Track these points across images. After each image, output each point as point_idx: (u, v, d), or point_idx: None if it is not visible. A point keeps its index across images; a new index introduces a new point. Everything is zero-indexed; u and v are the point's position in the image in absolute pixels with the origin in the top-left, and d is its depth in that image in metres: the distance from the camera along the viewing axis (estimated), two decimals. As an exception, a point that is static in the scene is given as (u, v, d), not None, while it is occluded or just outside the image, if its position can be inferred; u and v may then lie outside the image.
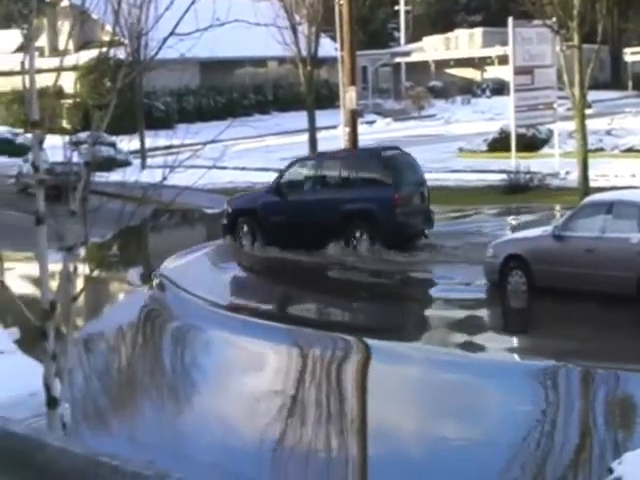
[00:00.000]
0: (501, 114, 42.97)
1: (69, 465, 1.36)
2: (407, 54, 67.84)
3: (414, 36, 73.38)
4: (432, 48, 67.83)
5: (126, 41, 34.06)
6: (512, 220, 26.18)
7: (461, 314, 17.71)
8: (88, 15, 6.58)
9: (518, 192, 28.67)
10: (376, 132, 48.00)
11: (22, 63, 4.16)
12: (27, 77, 4.66)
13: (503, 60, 48.94)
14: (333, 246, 21.53)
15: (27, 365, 11.84)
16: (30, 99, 4.40)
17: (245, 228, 23.01)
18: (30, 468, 1.40)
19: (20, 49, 48.71)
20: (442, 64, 65.89)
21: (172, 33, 4.26)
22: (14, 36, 49.23)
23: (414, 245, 21.96)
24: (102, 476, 1.27)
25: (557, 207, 25.93)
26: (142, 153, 38.68)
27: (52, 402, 5.69)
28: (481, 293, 18.63)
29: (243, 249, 22.97)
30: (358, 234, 21.56)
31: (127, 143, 35.37)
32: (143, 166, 36.34)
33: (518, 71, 29.58)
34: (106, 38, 37.57)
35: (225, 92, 54.55)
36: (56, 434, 5.87)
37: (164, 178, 5.60)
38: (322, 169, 22.80)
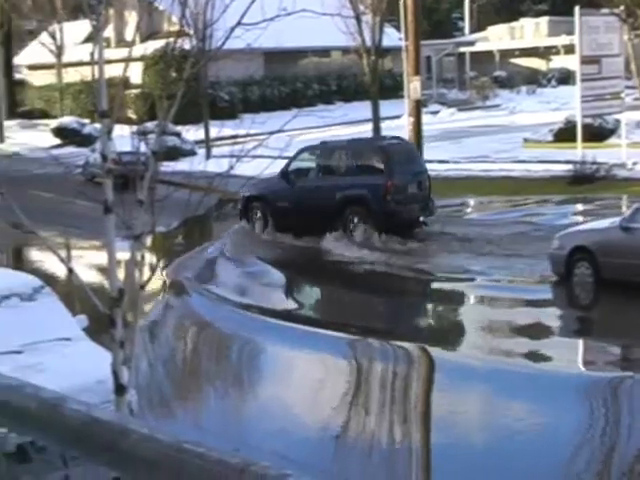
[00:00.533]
0: (567, 104, 42.52)
1: (154, 452, 1.38)
2: (471, 44, 67.42)
3: (479, 25, 72.88)
4: (497, 37, 67.33)
5: (192, 32, 34.23)
6: (570, 211, 25.98)
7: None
8: (154, 6, 6.61)
9: (584, 183, 28.39)
10: (440, 122, 47.79)
11: (92, 54, 4.20)
12: (96, 68, 4.71)
13: (569, 49, 48.43)
14: (335, 234, 22.42)
15: (94, 352, 11.97)
16: (99, 90, 4.45)
17: (258, 214, 24.10)
18: (115, 454, 1.42)
19: (88, 40, 49.23)
20: (507, 54, 65.36)
21: (239, 23, 4.28)
22: (82, 27, 49.83)
23: (413, 233, 22.74)
24: (187, 463, 1.29)
25: (624, 198, 25.64)
26: (207, 143, 38.92)
27: (120, 389, 5.75)
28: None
29: (256, 233, 24.02)
30: (354, 220, 22.43)
31: (193, 133, 35.60)
32: (208, 156, 36.56)
33: (585, 60, 29.27)
34: (172, 29, 37.83)
35: (289, 82, 54.65)
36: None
37: (231, 167, 5.63)
38: (324, 157, 23.73)
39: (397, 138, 24.35)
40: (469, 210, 29.14)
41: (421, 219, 23.14)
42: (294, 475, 1.24)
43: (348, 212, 22.44)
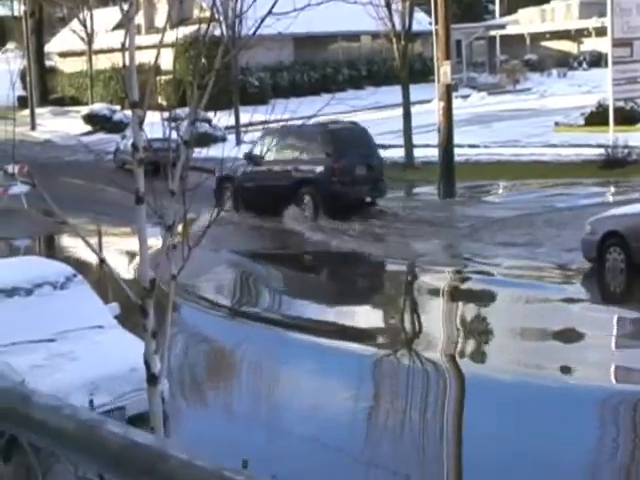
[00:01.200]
0: (598, 87, 42.21)
1: (193, 478, 1.37)
2: (502, 27, 66.98)
3: (509, 9, 72.39)
4: (527, 20, 66.86)
5: (222, 18, 34.17)
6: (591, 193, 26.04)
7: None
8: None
9: (616, 167, 28.19)
10: (470, 106, 47.57)
11: (123, 44, 4.18)
12: (127, 56, 4.70)
13: (600, 32, 48.03)
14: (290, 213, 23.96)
15: (127, 340, 12.02)
16: (130, 79, 4.43)
17: (228, 193, 25.49)
18: (154, 479, 1.41)
19: (118, 27, 49.34)
20: (537, 37, 64.91)
21: (270, 12, 4.25)
22: (112, 14, 49.94)
23: (362, 212, 24.26)
24: None
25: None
26: (237, 129, 38.92)
27: (152, 379, 5.74)
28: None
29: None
30: (306, 200, 24.04)
31: (224, 119, 35.62)
32: (238, 142, 36.56)
33: (616, 43, 29.04)
34: (202, 15, 37.79)
35: (319, 67, 54.53)
36: (156, 411, 5.95)
37: (265, 153, 5.61)
38: (283, 141, 24.48)
39: (352, 123, 25.79)
40: (488, 192, 28.98)
41: (368, 199, 24.96)
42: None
43: (301, 192, 24.06)
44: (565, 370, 13.56)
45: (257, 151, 25.17)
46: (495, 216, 24.40)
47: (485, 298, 18.17)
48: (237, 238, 23.29)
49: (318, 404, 12.73)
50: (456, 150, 28.94)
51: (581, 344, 14.84)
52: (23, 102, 49.78)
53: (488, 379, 13.18)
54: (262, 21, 4.07)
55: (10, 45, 68.99)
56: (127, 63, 4.60)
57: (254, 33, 4.35)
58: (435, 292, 18.89)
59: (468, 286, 19.09)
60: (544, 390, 12.48)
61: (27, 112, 49.23)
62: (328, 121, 26.10)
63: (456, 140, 29.04)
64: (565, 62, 62.78)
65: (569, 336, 14.91)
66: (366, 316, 17.21)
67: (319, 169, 23.97)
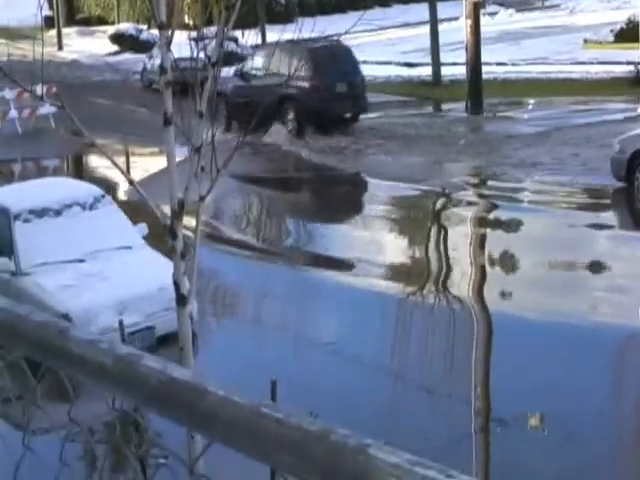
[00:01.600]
0: (628, 3, 41.48)
1: (231, 414, 1.39)
2: (532, -59, 65.73)
3: None
4: None
5: None
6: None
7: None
8: None
9: (646, 84, 27.87)
10: (498, 24, 46.89)
11: (149, -34, 4.16)
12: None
13: (633, -54, 47.07)
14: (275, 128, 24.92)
15: (155, 260, 12.09)
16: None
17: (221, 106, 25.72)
18: (192, 414, 1.44)
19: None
20: (569, -49, 63.67)
21: None
22: None
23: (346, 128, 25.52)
24: (264, 427, 1.30)
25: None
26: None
27: (181, 300, 5.82)
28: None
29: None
30: (289, 115, 25.16)
31: (251, 38, 35.32)
32: (264, 61, 36.30)
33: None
34: None
35: (345, -16, 53.80)
36: (185, 331, 6.03)
37: (296, 70, 5.59)
38: (270, 58, 24.85)
39: (335, 42, 25.62)
40: (516, 109, 28.70)
41: (348, 115, 25.88)
42: (374, 445, 1.23)
43: (284, 108, 24.88)
44: (593, 306, 13.41)
45: (247, 68, 26.74)
46: (521, 133, 24.30)
47: (508, 224, 18.00)
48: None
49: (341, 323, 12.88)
50: (484, 68, 28.62)
51: (611, 274, 14.77)
52: (50, 22, 49.47)
53: (512, 315, 13.13)
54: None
55: (35, -37, 68.39)
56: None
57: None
58: (458, 218, 18.81)
59: (489, 208, 19.08)
60: (572, 327, 12.39)
61: (54, 32, 48.99)
62: (311, 39, 26.62)
63: (484, 58, 28.70)
64: (596, -23, 61.62)
65: (598, 267, 14.84)
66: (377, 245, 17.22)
67: (301, 86, 24.59)
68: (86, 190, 13.44)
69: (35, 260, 12.06)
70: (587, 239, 16.42)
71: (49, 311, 11.36)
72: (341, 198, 21.21)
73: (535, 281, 14.27)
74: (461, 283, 14.12)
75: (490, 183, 20.68)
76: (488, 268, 15.26)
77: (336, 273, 15.22)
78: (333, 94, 25.18)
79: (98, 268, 12.00)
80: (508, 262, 15.25)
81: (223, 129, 24.76)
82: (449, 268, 15.22)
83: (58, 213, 12.61)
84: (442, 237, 17.56)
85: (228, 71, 25.11)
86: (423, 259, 16.00)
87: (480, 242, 17.02)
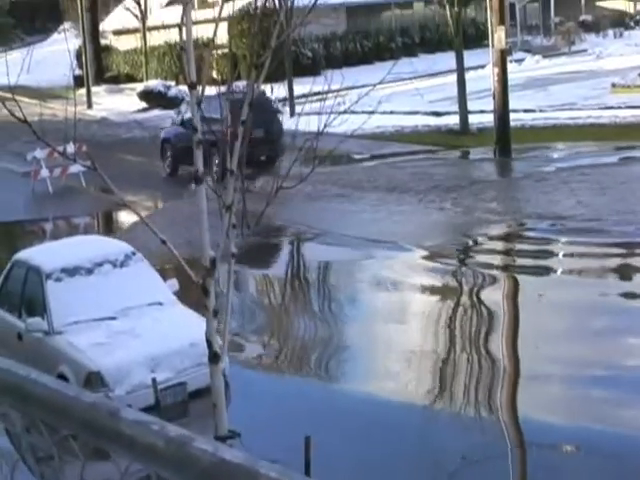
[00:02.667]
0: (656, 46, 41.49)
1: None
2: (556, -12, 66.03)
3: (563, -31, 71.30)
4: (582, -19, 65.82)
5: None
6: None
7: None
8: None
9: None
10: (525, 70, 47.01)
11: (179, 25, 4.17)
12: (184, 34, 4.68)
13: (658, -10, 47.16)
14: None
15: (186, 316, 12.09)
16: (188, 60, 4.42)
17: (168, 152, 30.01)
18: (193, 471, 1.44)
19: (171, 3, 49.43)
20: (593, -3, 63.91)
21: (324, -11, 4.21)
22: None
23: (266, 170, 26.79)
24: None
25: None
26: (291, 100, 38.83)
27: (214, 357, 5.78)
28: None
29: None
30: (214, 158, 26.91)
31: (278, 91, 35.58)
32: (292, 114, 36.50)
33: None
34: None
35: (372, 36, 54.11)
36: (218, 388, 5.98)
37: (325, 126, 5.57)
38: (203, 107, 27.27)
39: (259, 93, 28.17)
40: (545, 157, 28.53)
41: (263, 158, 28.19)
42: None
43: (211, 153, 25.57)
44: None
45: (187, 116, 28.35)
46: (550, 180, 24.23)
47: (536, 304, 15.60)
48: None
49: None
50: (511, 115, 28.65)
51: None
52: (79, 81, 50.05)
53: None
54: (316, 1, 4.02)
55: (66, 25, 69.38)
56: (185, 45, 4.59)
57: (309, 11, 4.30)
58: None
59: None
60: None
61: (83, 91, 49.52)
62: (230, 91, 28.58)
63: (511, 105, 28.73)
64: (621, 22, 61.77)
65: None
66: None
67: (219, 132, 25.95)
68: (117, 248, 13.48)
69: (67, 319, 12.07)
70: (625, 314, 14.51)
71: (82, 369, 11.34)
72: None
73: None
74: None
75: (513, 243, 19.81)
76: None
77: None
78: (250, 139, 26.14)
79: (130, 325, 11.99)
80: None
81: (168, 174, 29.41)
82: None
83: (90, 271, 12.64)
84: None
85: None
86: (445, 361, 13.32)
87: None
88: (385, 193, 24.68)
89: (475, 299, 15.43)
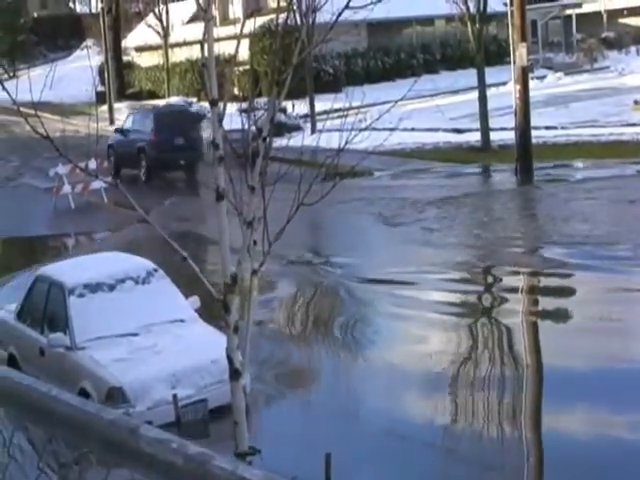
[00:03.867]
0: (679, 64, 41.35)
1: None
2: (578, 5, 65.91)
3: (585, -14, 71.21)
4: (604, -3, 65.72)
5: (295, 7, 34.08)
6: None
7: None
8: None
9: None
10: (547, 87, 46.97)
11: (201, 42, 4.18)
12: (205, 51, 4.70)
13: (680, 7, 47.05)
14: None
15: (207, 333, 12.11)
16: (209, 77, 4.43)
17: (111, 157, 33.94)
18: None
19: (193, 19, 49.61)
20: (615, 14, 63.75)
21: (347, 6, 4.21)
22: (187, 7, 50.20)
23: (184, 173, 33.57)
24: None
25: None
26: (312, 117, 38.90)
27: (235, 374, 5.78)
28: None
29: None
30: (142, 163, 33.21)
31: (300, 107, 35.67)
32: (313, 130, 36.56)
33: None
34: (274, 5, 37.60)
35: (393, 53, 54.17)
36: (238, 405, 5.97)
37: (346, 143, 5.57)
38: (136, 119, 35.16)
39: (182, 106, 36.03)
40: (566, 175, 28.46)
41: (182, 162, 32.66)
42: None
43: (139, 158, 33.26)
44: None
45: (124, 125, 35.54)
46: (571, 198, 24.12)
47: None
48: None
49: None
50: (533, 132, 28.61)
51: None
52: (101, 97, 50.34)
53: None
54: (338, 16, 4.03)
55: (89, 42, 69.79)
56: (206, 62, 4.60)
57: (331, 28, 4.30)
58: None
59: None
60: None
61: (105, 107, 49.79)
62: (161, 105, 38.19)
63: (533, 122, 28.70)
64: (643, 39, 61.60)
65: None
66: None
67: (147, 141, 32.89)
68: (139, 264, 13.51)
69: (89, 334, 12.10)
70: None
71: (104, 385, 11.37)
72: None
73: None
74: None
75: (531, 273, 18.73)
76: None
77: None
78: (171, 146, 32.39)
79: (151, 342, 12.01)
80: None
81: (112, 174, 31.38)
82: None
83: (112, 287, 12.68)
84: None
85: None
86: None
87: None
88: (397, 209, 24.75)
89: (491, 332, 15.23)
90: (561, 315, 15.69)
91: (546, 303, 16.69)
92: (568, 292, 17.05)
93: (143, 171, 33.11)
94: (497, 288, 17.86)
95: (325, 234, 25.06)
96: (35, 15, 79.59)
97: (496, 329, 15.17)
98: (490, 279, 18.70)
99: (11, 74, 63.38)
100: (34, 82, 7.24)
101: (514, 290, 17.47)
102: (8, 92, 6.23)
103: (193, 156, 32.25)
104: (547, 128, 33.76)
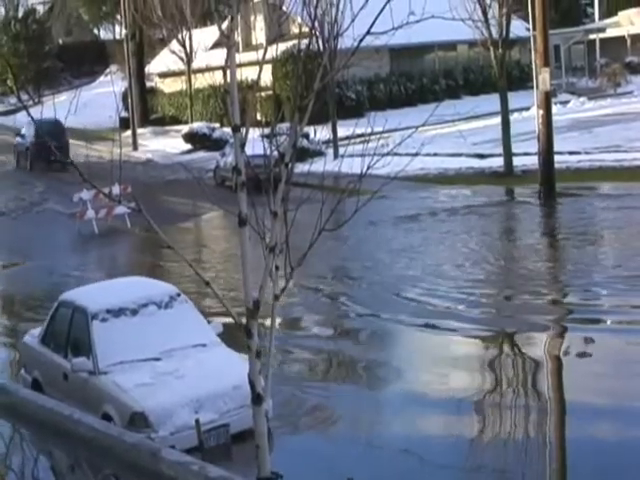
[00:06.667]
0: (703, 88, 41.19)
1: None
2: (601, 30, 65.88)
3: (609, 11, 71.19)
4: (628, 22, 65.57)
5: (318, 33, 34.24)
6: None
7: None
8: (283, 11, 6.65)
9: None
10: (570, 112, 46.92)
11: (224, 69, 4.21)
12: (228, 77, 4.72)
13: None
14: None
15: (230, 358, 12.11)
16: (232, 103, 4.45)
17: (15, 151, 48.59)
18: None
19: (216, 45, 49.89)
20: (638, 38, 63.68)
21: (368, 32, 4.23)
22: (211, 33, 50.50)
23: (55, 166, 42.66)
24: None
25: None
26: (335, 143, 38.97)
27: (257, 399, 5.78)
28: None
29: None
30: (28, 158, 46.88)
31: (322, 133, 35.72)
32: (335, 156, 36.62)
33: None
34: (297, 31, 37.95)
35: (415, 78, 54.30)
36: (261, 429, 5.96)
37: (368, 168, 5.58)
38: (28, 128, 46.50)
39: (55, 120, 39.45)
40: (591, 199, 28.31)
41: (53, 158, 41.30)
42: None
43: (27, 153, 46.85)
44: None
45: (22, 132, 48.16)
46: (597, 227, 23.99)
47: None
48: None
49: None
50: (556, 157, 28.56)
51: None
52: (125, 123, 50.68)
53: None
54: (360, 42, 4.05)
55: (113, 68, 70.31)
56: (229, 88, 4.63)
57: (353, 53, 4.32)
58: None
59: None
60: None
61: (129, 133, 50.09)
62: (41, 120, 41.40)
63: (556, 147, 28.65)
64: (668, 63, 61.46)
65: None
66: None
67: (31, 142, 45.86)
68: (162, 289, 13.54)
69: (112, 359, 12.13)
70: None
71: (126, 409, 11.38)
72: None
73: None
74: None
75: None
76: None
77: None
78: (46, 147, 41.00)
79: (174, 366, 12.02)
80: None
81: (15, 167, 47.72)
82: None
83: (134, 312, 12.71)
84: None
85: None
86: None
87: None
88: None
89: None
90: None
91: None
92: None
93: (28, 163, 47.22)
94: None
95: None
96: (60, 42, 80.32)
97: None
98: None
99: (36, 100, 63.87)
100: (59, 108, 7.31)
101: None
102: (32, 118, 6.29)
103: (62, 155, 39.15)
104: (570, 153, 33.67)
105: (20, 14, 76.13)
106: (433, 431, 12.25)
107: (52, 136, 42.00)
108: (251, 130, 5.39)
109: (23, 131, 48.30)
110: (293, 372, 14.91)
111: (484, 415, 12.64)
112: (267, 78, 39.92)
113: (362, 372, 15.22)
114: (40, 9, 79.78)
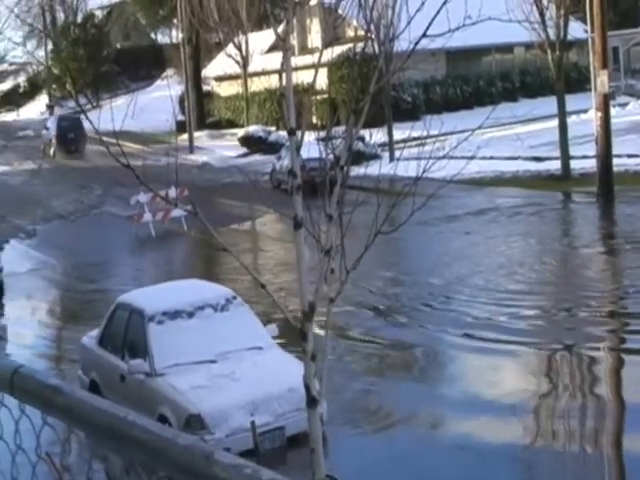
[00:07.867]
0: None
1: None
2: (661, 31, 65.09)
3: (668, 12, 70.27)
4: (687, 24, 64.71)
5: (373, 36, 34.25)
6: None
7: None
8: (338, 14, 6.63)
9: None
10: (629, 114, 46.33)
11: (280, 72, 4.22)
12: (284, 80, 4.73)
13: None
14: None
15: (285, 360, 12.13)
16: (288, 107, 4.46)
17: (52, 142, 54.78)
18: None
19: (272, 49, 50.04)
20: (699, 40, 62.80)
21: (424, 35, 4.21)
22: (266, 37, 50.65)
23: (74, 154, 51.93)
24: None
25: None
26: (390, 146, 38.89)
27: (312, 402, 5.77)
28: None
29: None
30: (53, 148, 53.83)
31: (378, 136, 35.66)
32: (391, 159, 36.54)
33: None
34: (352, 34, 37.78)
35: (472, 81, 54.01)
36: (315, 432, 5.96)
37: (424, 171, 5.56)
38: (63, 119, 55.18)
39: (75, 116, 52.60)
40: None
41: (73, 149, 51.70)
42: None
43: (52, 144, 54.01)
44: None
45: (46, 125, 56.61)
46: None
47: None
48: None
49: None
50: (615, 160, 28.27)
51: None
52: (181, 126, 51.00)
53: None
54: (416, 45, 4.03)
55: (169, 71, 70.80)
56: (285, 91, 4.63)
57: (409, 56, 4.30)
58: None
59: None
60: None
61: (185, 136, 50.39)
62: (64, 114, 59.37)
63: (615, 150, 28.36)
64: None
65: None
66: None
67: (53, 134, 52.93)
68: (218, 292, 13.60)
69: (168, 361, 12.19)
70: None
71: (183, 411, 11.44)
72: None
73: None
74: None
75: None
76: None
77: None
78: (67, 139, 52.03)
79: (229, 369, 12.06)
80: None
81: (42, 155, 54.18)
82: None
83: (191, 315, 12.77)
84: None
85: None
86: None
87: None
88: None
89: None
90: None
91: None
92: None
93: (53, 151, 53.69)
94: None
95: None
96: (118, 46, 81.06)
97: None
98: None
99: (94, 104, 64.52)
100: (116, 112, 7.37)
101: None
102: (91, 122, 6.34)
103: (78, 146, 52.02)
104: (629, 156, 33.29)
105: (79, 19, 77.02)
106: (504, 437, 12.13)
107: (71, 130, 51.88)
108: (307, 133, 5.39)
109: (48, 124, 55.93)
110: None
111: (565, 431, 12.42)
112: (323, 81, 39.91)
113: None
114: (99, 14, 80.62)
